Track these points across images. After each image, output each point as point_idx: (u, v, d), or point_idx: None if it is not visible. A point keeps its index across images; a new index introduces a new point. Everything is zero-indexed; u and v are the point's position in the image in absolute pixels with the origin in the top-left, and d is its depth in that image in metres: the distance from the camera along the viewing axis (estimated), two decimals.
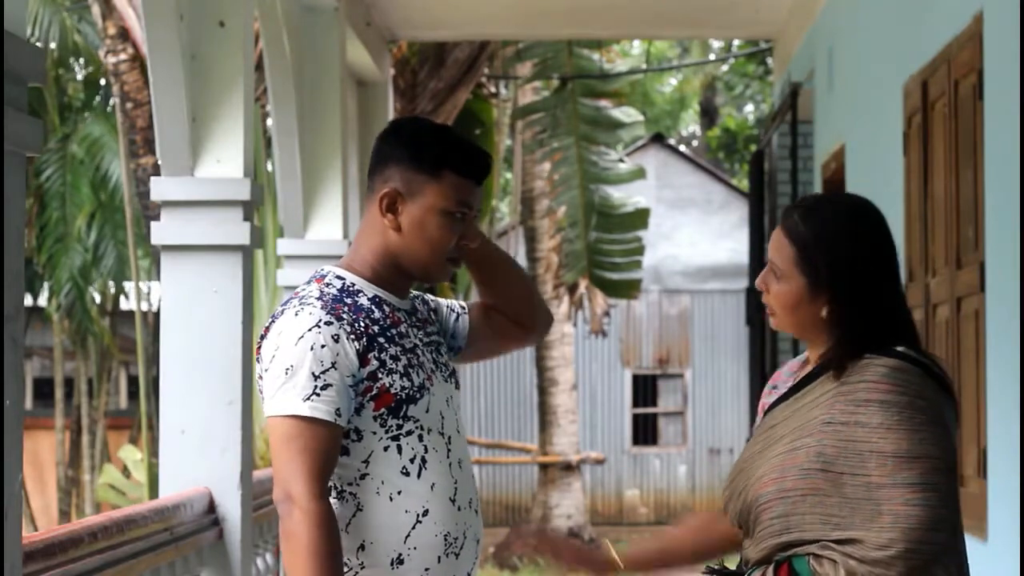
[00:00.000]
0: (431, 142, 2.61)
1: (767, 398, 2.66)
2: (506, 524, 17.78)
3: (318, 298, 2.55)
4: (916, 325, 2.54)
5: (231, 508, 4.30)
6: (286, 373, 2.48)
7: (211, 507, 4.26)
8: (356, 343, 2.52)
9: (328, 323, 2.51)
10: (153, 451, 12.03)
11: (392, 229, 2.61)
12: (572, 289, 13.38)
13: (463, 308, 2.83)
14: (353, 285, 2.62)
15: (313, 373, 2.47)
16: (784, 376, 2.68)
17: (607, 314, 13.73)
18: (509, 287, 2.84)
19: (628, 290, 13.26)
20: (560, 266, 13.42)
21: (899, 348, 2.45)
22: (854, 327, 2.47)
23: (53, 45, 14.86)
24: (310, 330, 2.50)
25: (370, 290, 2.62)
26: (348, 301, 2.57)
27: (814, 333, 2.53)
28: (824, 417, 2.43)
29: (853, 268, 2.49)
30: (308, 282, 2.63)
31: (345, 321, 2.53)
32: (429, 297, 2.82)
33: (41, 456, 17.26)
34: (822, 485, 2.39)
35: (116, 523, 3.52)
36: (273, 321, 2.56)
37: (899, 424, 2.37)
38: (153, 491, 11.15)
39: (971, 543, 4.60)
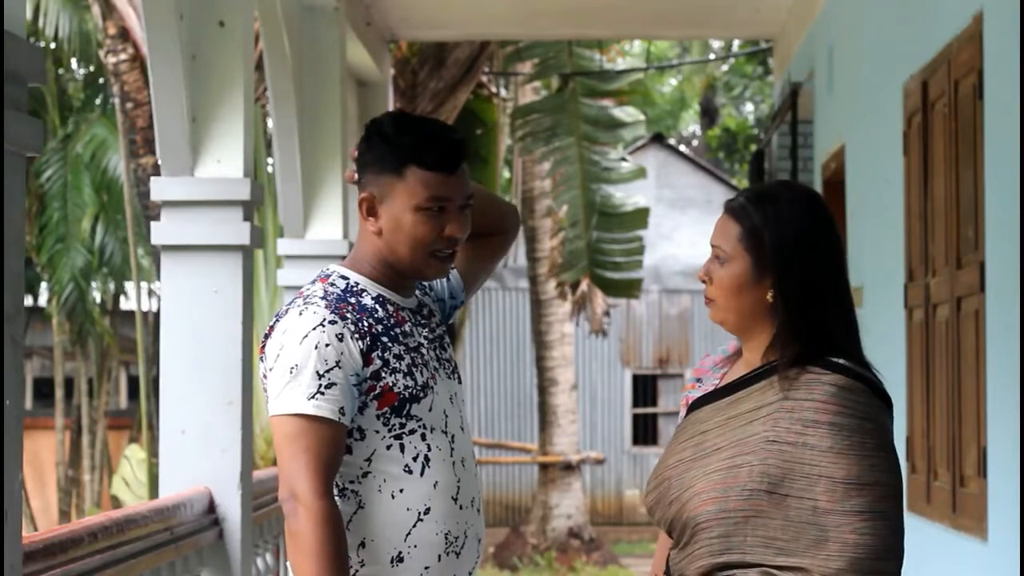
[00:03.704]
0: (394, 140, 2.57)
1: (691, 392, 2.57)
2: (506, 524, 17.78)
3: (322, 297, 2.55)
4: (859, 328, 2.46)
5: (231, 508, 4.30)
6: (291, 372, 2.48)
7: (211, 507, 4.26)
8: (360, 342, 2.52)
9: (332, 322, 2.51)
10: (153, 451, 12.04)
11: (375, 232, 2.61)
12: (574, 288, 13.39)
13: None
14: (357, 285, 2.62)
15: (317, 372, 2.48)
16: (708, 369, 2.59)
17: (607, 313, 13.73)
18: (483, 216, 2.79)
19: (629, 289, 13.27)
20: (562, 266, 13.43)
21: (841, 361, 2.38)
22: (796, 318, 2.39)
23: (52, 45, 14.84)
24: (314, 329, 2.50)
25: (374, 289, 2.62)
26: (352, 301, 2.57)
27: (756, 324, 2.44)
28: (768, 434, 2.36)
29: (800, 253, 2.40)
30: (312, 281, 2.63)
31: (349, 320, 2.53)
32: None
33: (41, 456, 17.26)
34: (765, 507, 2.33)
35: (116, 523, 3.52)
36: (277, 320, 2.56)
37: (849, 449, 2.31)
38: (153, 491, 11.17)
39: (971, 543, 4.62)
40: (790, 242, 2.40)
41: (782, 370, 2.39)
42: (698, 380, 2.59)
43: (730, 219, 2.46)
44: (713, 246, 2.48)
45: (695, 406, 2.52)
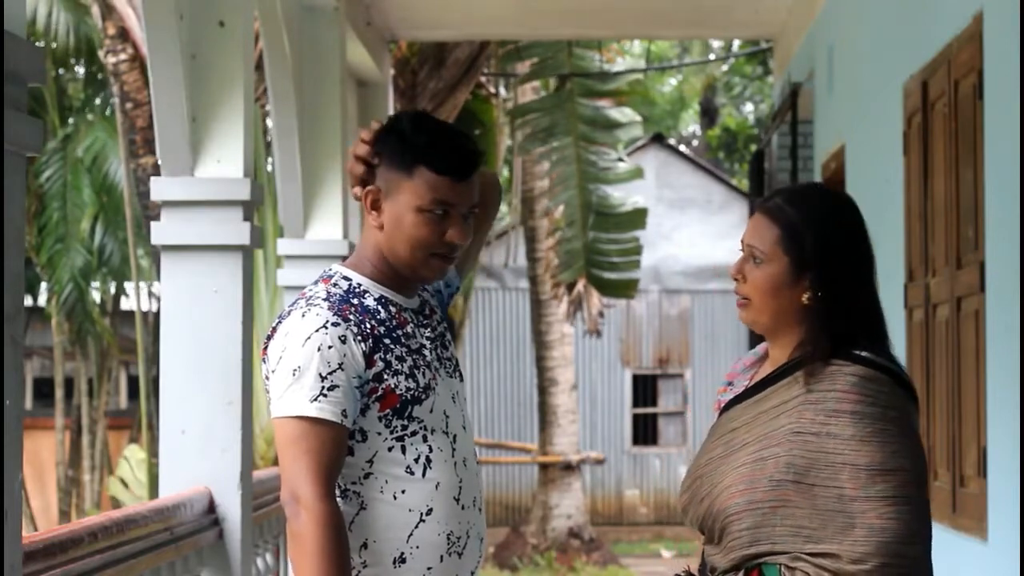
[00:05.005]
0: (411, 139, 2.57)
1: (722, 395, 2.60)
2: (506, 524, 17.78)
3: (325, 299, 2.55)
4: (887, 325, 2.50)
5: (231, 508, 4.29)
6: (293, 374, 2.48)
7: (211, 507, 4.26)
8: (362, 344, 2.52)
9: (335, 324, 2.50)
10: (153, 451, 12.04)
11: (376, 227, 2.61)
12: (570, 288, 13.38)
13: None
14: (360, 286, 2.61)
15: (320, 374, 2.47)
16: (740, 372, 2.62)
17: (601, 314, 13.72)
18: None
19: (625, 290, 13.25)
20: (557, 265, 13.42)
21: (864, 353, 2.41)
22: (833, 318, 2.42)
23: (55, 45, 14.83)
24: (317, 331, 2.49)
25: (376, 290, 2.62)
26: (355, 302, 2.57)
27: (788, 325, 2.46)
28: (792, 426, 2.39)
29: (838, 253, 2.43)
30: (315, 282, 2.62)
31: (352, 322, 2.52)
32: None
33: (41, 456, 17.26)
34: (793, 496, 2.36)
35: (116, 523, 3.52)
36: (280, 322, 2.56)
37: (872, 436, 2.35)
38: (153, 491, 11.18)
39: (971, 543, 4.62)
40: (830, 243, 2.44)
41: (808, 365, 2.42)
42: (729, 384, 2.62)
43: (767, 219, 2.47)
44: (749, 246, 2.48)
45: (726, 408, 2.55)
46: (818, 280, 2.43)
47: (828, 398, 2.38)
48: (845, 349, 2.41)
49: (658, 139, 20.43)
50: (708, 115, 28.42)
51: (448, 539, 2.57)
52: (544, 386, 16.13)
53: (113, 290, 17.62)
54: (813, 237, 2.43)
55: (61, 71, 16.42)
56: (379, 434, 2.54)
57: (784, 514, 2.36)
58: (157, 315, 13.72)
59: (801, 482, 2.36)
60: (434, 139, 2.57)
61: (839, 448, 2.35)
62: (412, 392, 2.56)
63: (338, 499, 2.52)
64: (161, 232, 4.37)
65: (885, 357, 2.44)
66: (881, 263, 6.42)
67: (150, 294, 16.63)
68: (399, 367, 2.56)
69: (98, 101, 16.67)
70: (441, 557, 2.56)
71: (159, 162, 4.39)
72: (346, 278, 2.62)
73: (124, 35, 9.17)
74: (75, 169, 15.65)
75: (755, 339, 2.70)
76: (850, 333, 2.43)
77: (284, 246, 6.51)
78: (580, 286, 13.23)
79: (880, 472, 2.33)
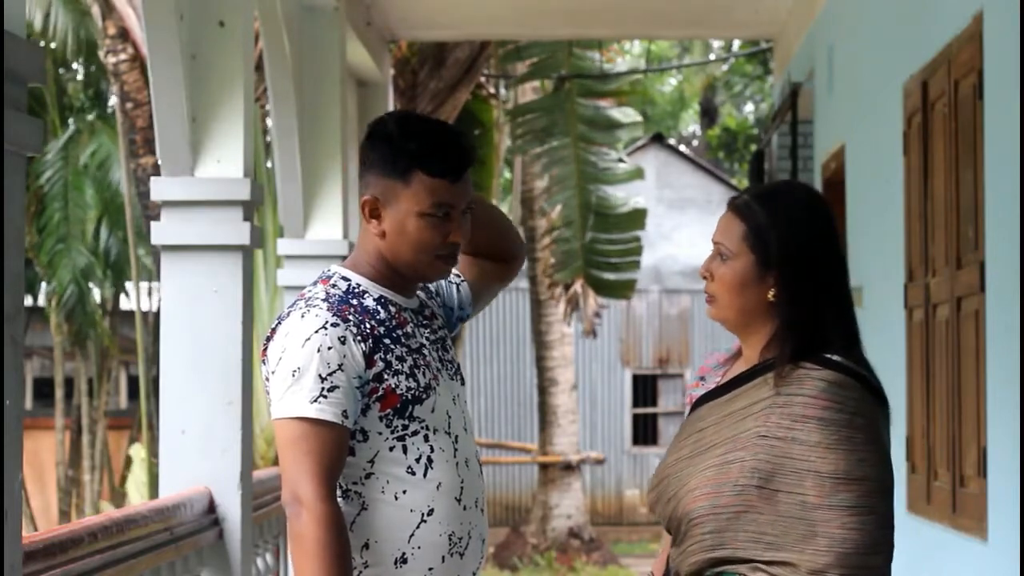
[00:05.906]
0: (401, 144, 2.55)
1: (694, 391, 2.59)
2: (506, 524, 17.78)
3: (324, 300, 2.54)
4: (858, 326, 2.47)
5: (231, 508, 4.29)
6: (293, 375, 2.48)
7: (211, 507, 4.25)
8: (362, 345, 2.52)
9: (335, 325, 2.50)
10: (153, 451, 12.05)
11: (377, 235, 2.60)
12: (567, 289, 13.37)
13: (459, 275, 2.83)
14: (359, 286, 2.61)
15: (320, 375, 2.47)
16: (712, 368, 2.61)
17: (597, 315, 13.69)
18: (491, 234, 2.81)
19: (623, 290, 13.21)
20: (553, 265, 13.40)
21: (835, 357, 2.38)
22: (798, 316, 2.40)
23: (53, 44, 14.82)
24: (317, 332, 2.49)
25: (375, 291, 2.61)
26: (354, 303, 2.57)
27: (755, 322, 2.45)
28: (759, 430, 2.37)
29: (805, 251, 2.41)
30: (314, 283, 2.62)
31: (351, 323, 2.52)
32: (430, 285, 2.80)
33: (41, 456, 17.27)
34: (756, 502, 2.34)
35: (116, 523, 3.52)
36: (279, 323, 2.56)
37: (838, 444, 2.32)
38: (153, 491, 11.18)
39: (971, 543, 4.62)
40: (795, 241, 2.42)
41: (778, 367, 2.40)
42: (701, 379, 2.60)
43: (734, 217, 2.47)
44: (716, 243, 2.48)
45: (697, 404, 2.53)
46: (782, 278, 2.42)
47: (795, 402, 2.36)
48: (816, 352, 2.39)
49: (658, 139, 20.44)
50: (708, 115, 28.43)
51: (450, 540, 2.57)
52: (544, 386, 16.13)
53: (113, 290, 17.62)
54: (778, 235, 2.41)
55: (61, 71, 16.42)
56: (380, 434, 2.54)
57: (747, 520, 2.34)
58: (157, 315, 13.72)
59: (765, 487, 2.33)
60: (425, 142, 2.56)
61: (804, 454, 2.33)
62: (413, 392, 2.56)
63: (339, 499, 2.51)
64: (161, 232, 4.37)
65: (857, 362, 2.41)
66: (881, 263, 6.43)
67: (150, 294, 16.63)
68: (399, 367, 2.55)
69: (97, 98, 16.66)
70: (443, 558, 2.56)
71: (159, 162, 4.39)
72: (345, 278, 2.62)
73: (124, 35, 9.16)
74: (76, 170, 15.64)
75: None
76: (824, 336, 2.40)
77: (284, 246, 6.51)
78: (577, 286, 13.21)
79: (844, 480, 2.31)
